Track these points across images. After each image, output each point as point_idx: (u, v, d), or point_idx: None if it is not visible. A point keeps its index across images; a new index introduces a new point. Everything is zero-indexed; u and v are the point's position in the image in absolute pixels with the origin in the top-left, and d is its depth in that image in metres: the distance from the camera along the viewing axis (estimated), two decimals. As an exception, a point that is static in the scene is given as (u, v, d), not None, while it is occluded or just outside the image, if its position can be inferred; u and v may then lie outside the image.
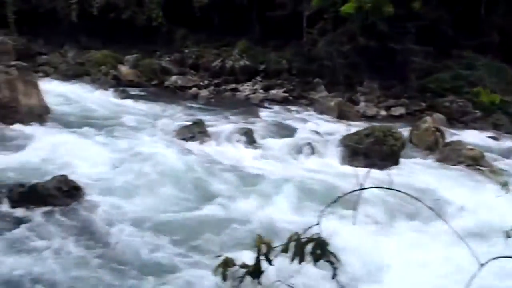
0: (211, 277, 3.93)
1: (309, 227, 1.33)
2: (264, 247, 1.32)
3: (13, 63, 9.03)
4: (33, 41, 13.62)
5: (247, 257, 1.50)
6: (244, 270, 1.33)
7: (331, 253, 1.32)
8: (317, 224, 1.30)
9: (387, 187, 1.69)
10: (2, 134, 7.12)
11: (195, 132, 7.92)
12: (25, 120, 7.63)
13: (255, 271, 1.32)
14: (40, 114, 7.96)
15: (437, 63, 11.53)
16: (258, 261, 1.32)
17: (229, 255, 4.05)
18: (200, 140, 7.73)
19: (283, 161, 7.22)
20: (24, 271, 4.03)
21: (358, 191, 1.40)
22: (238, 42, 13.15)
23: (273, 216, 5.14)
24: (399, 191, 1.76)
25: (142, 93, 11.39)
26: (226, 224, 4.95)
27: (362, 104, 11.00)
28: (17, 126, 7.41)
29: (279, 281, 1.51)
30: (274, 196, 5.71)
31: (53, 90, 9.43)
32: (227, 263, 1.35)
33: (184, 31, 14.02)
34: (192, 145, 7.53)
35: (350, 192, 1.45)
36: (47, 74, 11.73)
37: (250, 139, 7.87)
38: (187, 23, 13.70)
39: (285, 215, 5.23)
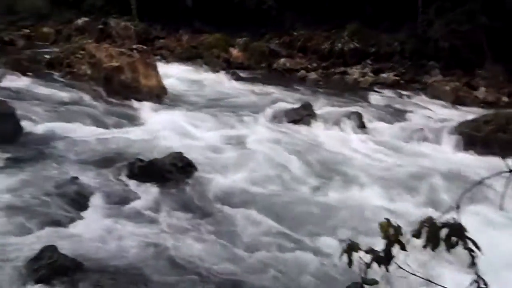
0: (316, 258, 3.99)
1: (446, 212, 1.24)
2: (392, 231, 1.27)
3: (134, 46, 9.71)
4: (152, 26, 14.44)
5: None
6: (370, 255, 1.29)
7: (470, 239, 1.22)
8: (457, 207, 1.21)
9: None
10: (125, 112, 7.68)
11: (303, 114, 7.91)
12: (145, 99, 8.17)
13: (384, 258, 1.27)
14: (158, 94, 8.48)
15: None
16: (387, 246, 1.27)
17: (337, 240, 4.03)
18: (308, 123, 7.71)
19: (394, 147, 6.96)
20: (141, 240, 4.30)
21: (507, 173, 1.28)
22: (348, 24, 12.84)
23: (385, 204, 4.99)
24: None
25: (251, 76, 11.61)
26: (335, 208, 4.91)
27: (482, 89, 10.20)
28: (138, 105, 7.96)
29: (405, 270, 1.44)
30: (384, 183, 5.54)
31: (169, 72, 9.95)
32: (353, 248, 1.32)
33: (293, 14, 14.00)
34: (300, 128, 7.54)
35: (497, 174, 1.33)
36: (164, 57, 12.40)
37: (359, 123, 7.69)
38: (297, 5, 13.66)
39: (398, 204, 5.05)
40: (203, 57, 12.58)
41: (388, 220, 1.31)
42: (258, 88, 10.21)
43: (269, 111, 8.19)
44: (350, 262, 1.34)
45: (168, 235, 4.38)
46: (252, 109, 8.35)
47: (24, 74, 8.87)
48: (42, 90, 8.20)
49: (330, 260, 3.92)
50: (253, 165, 5.80)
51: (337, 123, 7.70)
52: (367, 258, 1.29)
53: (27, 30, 13.53)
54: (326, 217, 4.77)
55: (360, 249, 1.33)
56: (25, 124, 6.57)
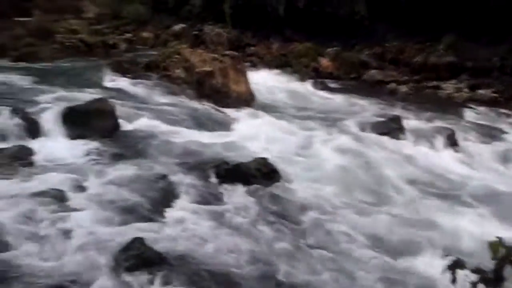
0: (413, 276, 3.85)
1: None
2: (503, 251, 1.18)
3: (226, 52, 10.00)
4: (244, 33, 14.78)
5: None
6: (477, 275, 1.21)
7: None
8: None
9: None
10: (214, 115, 7.91)
11: (391, 127, 7.68)
12: (234, 104, 8.38)
13: (494, 278, 1.19)
14: (247, 100, 8.65)
15: None
16: (498, 266, 1.19)
17: (422, 258, 3.87)
18: (396, 136, 7.47)
19: (489, 169, 6.56)
20: (222, 240, 4.38)
21: None
22: (444, 36, 12.30)
23: (482, 227, 4.70)
24: None
25: (340, 86, 11.48)
26: (425, 225, 4.71)
27: None
28: (227, 110, 8.17)
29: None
30: (477, 206, 5.23)
31: (258, 79, 10.11)
32: (458, 265, 1.24)
33: (386, 25, 13.67)
34: (387, 141, 7.33)
35: None
36: (253, 64, 12.62)
37: (450, 141, 7.33)
38: (390, 16, 13.32)
39: (497, 227, 4.74)
40: (292, 66, 12.64)
41: (499, 239, 1.22)
42: (347, 98, 10.08)
43: (357, 122, 8.04)
44: (453, 280, 1.27)
45: (249, 238, 4.44)
46: (339, 119, 8.25)
47: (124, 75, 9.44)
48: (139, 90, 8.68)
49: (427, 279, 3.78)
50: (339, 176, 5.73)
51: (427, 138, 7.39)
52: (474, 277, 1.21)
53: (129, 35, 14.42)
54: (418, 235, 4.58)
55: (466, 267, 1.25)
56: (122, 122, 6.98)
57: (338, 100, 9.98)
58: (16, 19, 18.61)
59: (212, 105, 8.28)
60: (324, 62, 12.71)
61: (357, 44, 13.79)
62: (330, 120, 8.05)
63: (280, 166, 5.81)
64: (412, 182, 5.87)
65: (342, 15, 13.62)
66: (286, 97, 9.68)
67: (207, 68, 8.76)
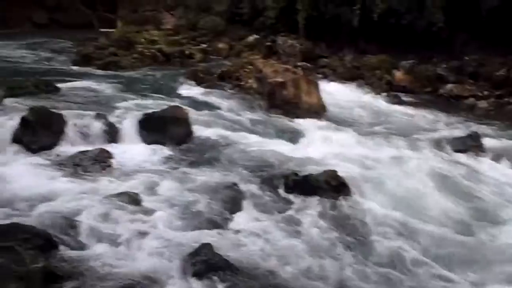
0: None
1: None
2: None
3: (299, 64, 10.03)
4: (317, 45, 14.74)
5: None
6: None
7: None
8: None
9: None
10: (285, 126, 7.93)
11: (469, 145, 7.33)
12: (304, 115, 8.36)
13: None
14: (318, 112, 8.61)
15: None
16: None
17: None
18: (475, 154, 7.11)
19: None
20: (288, 251, 4.37)
21: None
22: (531, 49, 11.60)
23: None
24: None
25: (415, 100, 11.11)
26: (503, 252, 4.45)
27: None
28: (298, 121, 8.17)
29: None
30: None
31: (330, 91, 10.03)
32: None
33: (464, 37, 13.11)
34: (464, 159, 7.00)
35: None
36: (325, 76, 12.54)
37: (535, 161, 6.88)
38: (469, 28, 12.76)
39: None
40: (365, 78, 12.42)
41: None
42: (422, 113, 9.74)
43: (432, 137, 7.76)
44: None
45: (315, 253, 4.41)
46: (413, 134, 7.99)
47: (199, 84, 9.75)
48: (213, 99, 8.92)
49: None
50: (413, 195, 5.54)
51: (509, 158, 6.98)
52: None
53: (205, 45, 14.84)
54: (496, 261, 4.33)
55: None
56: (196, 129, 7.19)
57: (412, 115, 9.67)
58: (101, 30, 19.77)
59: (282, 116, 8.32)
60: (399, 75, 12.37)
61: (433, 57, 13.32)
62: (404, 136, 7.80)
63: (350, 180, 5.72)
64: (490, 202, 5.56)
65: (418, 27, 13.22)
66: (358, 110, 9.53)
67: (279, 79, 8.83)
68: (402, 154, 6.79)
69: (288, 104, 8.58)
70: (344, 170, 5.95)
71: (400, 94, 11.39)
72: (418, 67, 12.57)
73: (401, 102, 10.67)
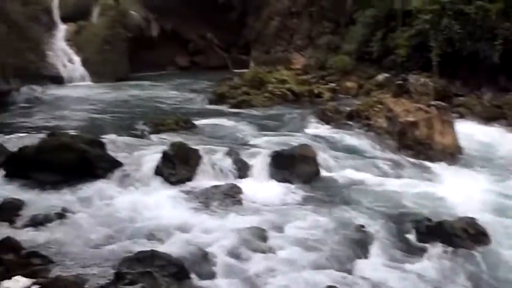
0: None
1: None
2: None
3: (432, 103, 9.57)
4: (452, 83, 14.00)
5: None
6: None
7: None
8: None
9: None
10: (416, 168, 7.55)
11: None
12: (438, 157, 7.90)
13: None
14: (453, 154, 8.08)
15: None
16: None
17: None
18: None
19: None
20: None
21: None
22: None
23: None
24: None
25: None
26: None
27: None
28: (430, 163, 7.74)
29: None
30: None
31: (467, 131, 9.39)
32: None
33: None
34: None
35: None
36: (461, 115, 11.81)
37: None
38: None
39: None
40: (507, 118, 11.43)
41: None
42: None
43: None
44: None
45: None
46: None
47: (327, 122, 9.80)
48: (341, 138, 8.87)
49: None
50: None
51: None
52: None
53: (333, 84, 14.91)
54: None
55: None
56: (323, 168, 7.20)
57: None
58: (235, 70, 20.98)
59: (413, 157, 7.96)
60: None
61: None
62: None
63: (490, 229, 5.25)
64: None
65: None
66: (500, 153, 8.75)
67: (411, 118, 8.51)
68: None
69: (420, 144, 8.21)
70: (482, 218, 5.49)
71: (550, 136, 10.26)
72: None
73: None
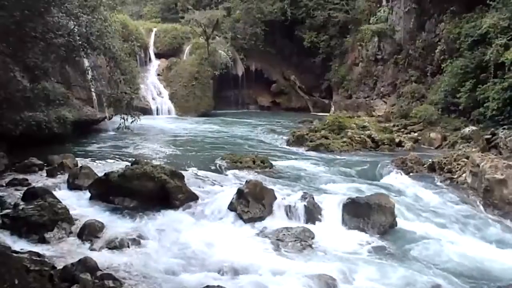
0: None
1: None
2: None
3: (522, 160, 8.96)
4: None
5: None
6: None
7: None
8: None
9: None
10: (504, 230, 6.98)
11: None
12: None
13: None
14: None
15: None
16: None
17: None
18: None
19: None
20: None
21: None
22: None
23: None
24: None
25: None
26: None
27: None
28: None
29: None
30: None
31: None
32: None
33: None
34: None
35: None
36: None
37: None
38: None
39: None
40: None
41: None
42: None
43: None
44: None
45: None
46: None
47: (407, 173, 9.49)
48: (421, 190, 8.52)
49: None
50: None
51: None
52: None
53: (415, 134, 14.50)
54: None
55: None
56: (400, 220, 6.92)
57: None
58: (315, 113, 21.06)
59: (501, 217, 7.42)
60: None
61: None
62: None
63: None
64: None
65: None
66: None
67: (499, 176, 8.00)
68: None
69: (508, 204, 7.65)
70: None
71: None
72: None
73: None
